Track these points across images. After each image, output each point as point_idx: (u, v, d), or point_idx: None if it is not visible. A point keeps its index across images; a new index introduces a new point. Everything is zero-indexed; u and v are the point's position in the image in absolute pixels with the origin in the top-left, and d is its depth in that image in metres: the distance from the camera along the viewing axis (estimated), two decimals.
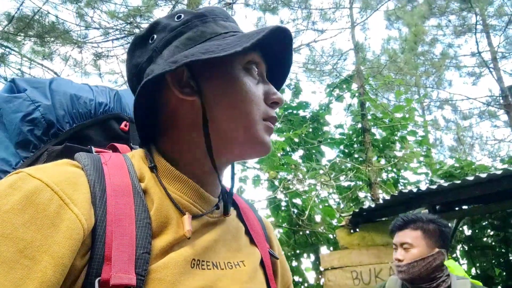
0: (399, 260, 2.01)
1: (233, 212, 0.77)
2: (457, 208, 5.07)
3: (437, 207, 4.83)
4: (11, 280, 0.46)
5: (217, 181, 0.71)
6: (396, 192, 5.07)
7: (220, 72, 0.68)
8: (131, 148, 0.81)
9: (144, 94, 0.65)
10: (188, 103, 0.67)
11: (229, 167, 0.74)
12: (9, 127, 0.78)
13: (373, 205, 4.95)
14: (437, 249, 2.00)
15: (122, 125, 0.85)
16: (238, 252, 0.71)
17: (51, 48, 6.15)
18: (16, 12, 5.17)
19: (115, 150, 0.76)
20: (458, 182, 4.25)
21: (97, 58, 6.66)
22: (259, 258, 0.75)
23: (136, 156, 0.69)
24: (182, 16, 0.71)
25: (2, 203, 0.50)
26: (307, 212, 6.15)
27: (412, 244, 2.00)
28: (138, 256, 0.55)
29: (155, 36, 0.71)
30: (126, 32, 6.49)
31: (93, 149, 0.74)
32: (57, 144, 0.77)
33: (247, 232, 0.77)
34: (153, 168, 0.67)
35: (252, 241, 0.77)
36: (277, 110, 0.68)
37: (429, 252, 1.99)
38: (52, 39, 5.58)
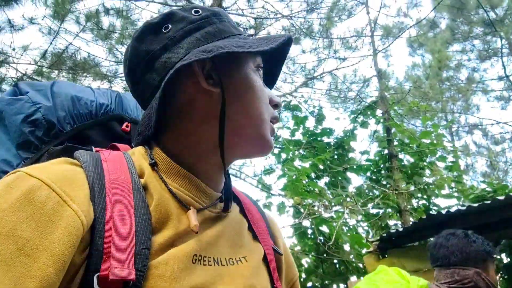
0: None
1: (236, 208, 0.77)
2: (491, 232, 4.85)
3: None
4: (10, 278, 0.46)
5: (221, 176, 0.71)
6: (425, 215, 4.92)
7: (239, 69, 0.70)
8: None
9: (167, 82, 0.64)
10: (207, 95, 0.68)
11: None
12: (10, 129, 0.79)
13: (401, 229, 4.79)
14: None
15: (124, 126, 0.85)
16: (240, 248, 0.70)
17: (83, 83, 6.47)
18: (49, 46, 5.46)
19: (116, 149, 0.75)
20: (488, 202, 4.09)
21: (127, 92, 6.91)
22: (262, 254, 0.74)
23: (136, 153, 0.69)
24: (200, 11, 0.72)
25: (0, 202, 0.50)
26: (333, 238, 6.00)
27: None
28: (137, 252, 0.54)
29: (170, 26, 0.70)
30: None
31: (94, 149, 0.73)
32: (58, 144, 0.76)
33: (250, 228, 0.76)
34: (153, 165, 0.66)
35: (255, 237, 0.76)
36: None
37: None
38: (84, 73, 5.85)
